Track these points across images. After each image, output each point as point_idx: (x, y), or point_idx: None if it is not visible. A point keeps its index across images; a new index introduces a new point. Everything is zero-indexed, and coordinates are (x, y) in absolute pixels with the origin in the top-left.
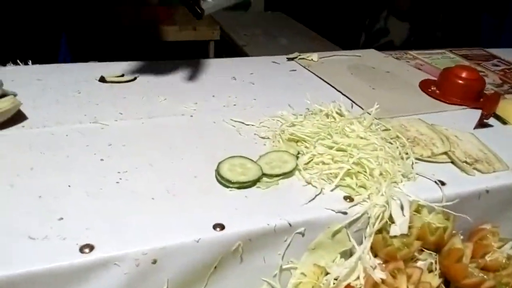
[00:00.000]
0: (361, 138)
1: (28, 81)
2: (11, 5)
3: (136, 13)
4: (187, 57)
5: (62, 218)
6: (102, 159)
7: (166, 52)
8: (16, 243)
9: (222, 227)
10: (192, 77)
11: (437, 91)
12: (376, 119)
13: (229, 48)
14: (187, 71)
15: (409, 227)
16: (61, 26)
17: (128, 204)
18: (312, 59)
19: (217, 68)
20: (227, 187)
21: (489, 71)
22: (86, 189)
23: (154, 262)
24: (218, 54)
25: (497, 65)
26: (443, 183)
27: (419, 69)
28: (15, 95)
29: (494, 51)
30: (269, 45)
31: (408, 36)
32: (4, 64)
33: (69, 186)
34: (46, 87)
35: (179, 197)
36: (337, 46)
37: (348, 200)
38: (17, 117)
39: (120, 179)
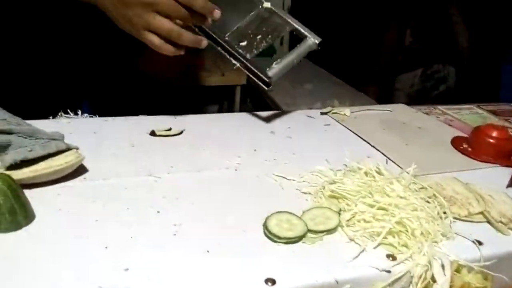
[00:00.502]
0: (401, 197)
1: (85, 134)
2: (31, 72)
3: (165, 62)
4: (215, 101)
5: (127, 269)
6: (158, 211)
7: (196, 96)
8: None
9: (273, 282)
10: (233, 131)
11: (469, 149)
12: (413, 176)
13: (254, 93)
14: (228, 124)
15: (450, 287)
16: (82, 93)
17: (185, 256)
18: (345, 114)
19: (256, 121)
20: (275, 241)
21: None
22: (147, 240)
23: None
24: (244, 98)
25: None
26: (480, 243)
27: (449, 125)
28: (77, 148)
29: None
30: (294, 91)
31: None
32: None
33: (131, 237)
34: (102, 140)
35: (231, 250)
36: (360, 92)
37: (390, 258)
38: (79, 170)
39: (177, 231)
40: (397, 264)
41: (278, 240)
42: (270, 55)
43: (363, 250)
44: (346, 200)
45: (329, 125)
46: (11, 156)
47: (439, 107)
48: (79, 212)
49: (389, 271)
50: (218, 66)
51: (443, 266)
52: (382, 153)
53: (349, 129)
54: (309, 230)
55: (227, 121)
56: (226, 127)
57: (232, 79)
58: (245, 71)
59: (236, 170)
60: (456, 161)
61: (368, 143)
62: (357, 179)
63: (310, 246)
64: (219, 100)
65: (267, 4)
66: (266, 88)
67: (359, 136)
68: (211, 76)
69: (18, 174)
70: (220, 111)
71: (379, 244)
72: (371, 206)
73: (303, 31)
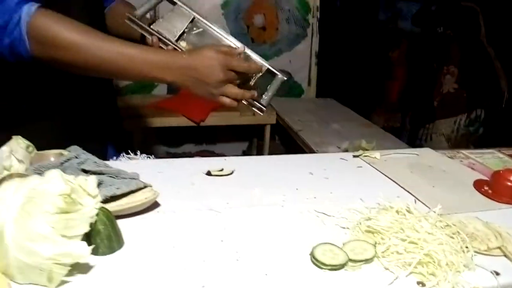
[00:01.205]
0: (429, 233)
1: (152, 174)
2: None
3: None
4: (246, 138)
5: (203, 286)
6: (222, 240)
7: (229, 133)
8: None
9: None
10: (277, 171)
11: (490, 191)
12: (438, 215)
13: (283, 132)
14: (272, 165)
15: None
16: (107, 137)
17: (248, 278)
18: (375, 157)
19: (296, 163)
20: (321, 268)
21: None
22: (215, 264)
23: None
24: (273, 135)
25: None
26: (497, 274)
27: (472, 168)
28: (151, 186)
29: None
30: (322, 130)
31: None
32: None
33: (203, 261)
34: (167, 179)
35: (286, 274)
36: (387, 133)
37: (420, 285)
38: (153, 204)
39: (239, 257)
40: None
41: (324, 267)
42: (299, 95)
43: (396, 278)
44: (381, 234)
45: (361, 167)
46: (103, 192)
47: (463, 151)
48: (158, 239)
49: None
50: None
51: None
52: (411, 194)
53: (379, 171)
54: (350, 260)
55: (271, 162)
56: (270, 168)
57: (263, 118)
58: (244, 103)
59: (282, 206)
60: (478, 202)
61: (398, 184)
62: (389, 216)
63: (351, 273)
64: (249, 137)
65: (247, 51)
66: (261, 114)
67: (389, 178)
68: (243, 116)
69: (108, 208)
70: (250, 147)
71: (410, 273)
72: (403, 240)
73: (274, 70)
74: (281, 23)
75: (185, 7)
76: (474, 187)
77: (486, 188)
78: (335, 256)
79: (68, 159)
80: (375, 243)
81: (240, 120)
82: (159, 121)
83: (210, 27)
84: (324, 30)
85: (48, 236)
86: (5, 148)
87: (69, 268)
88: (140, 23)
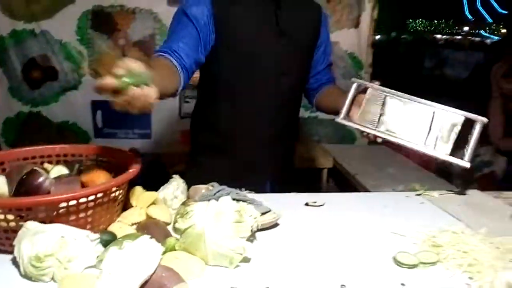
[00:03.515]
0: (476, 246)
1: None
2: None
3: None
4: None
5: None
6: (323, 239)
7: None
8: None
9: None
10: (359, 207)
11: None
12: (484, 236)
13: (339, 175)
14: (359, 202)
15: None
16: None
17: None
18: (434, 196)
19: (370, 199)
20: (401, 266)
21: None
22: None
23: None
24: (328, 178)
25: None
26: None
27: (510, 204)
28: (271, 210)
29: None
30: (377, 174)
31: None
32: None
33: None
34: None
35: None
36: (440, 179)
37: (472, 279)
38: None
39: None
40: (476, 282)
41: (403, 266)
42: (352, 141)
43: (453, 275)
44: (442, 247)
45: (423, 203)
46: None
47: (505, 192)
48: (298, 248)
49: (469, 284)
50: (309, 151)
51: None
52: (462, 221)
53: (438, 206)
54: (420, 262)
55: (356, 199)
56: (358, 204)
57: (321, 162)
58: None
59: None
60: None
61: (453, 215)
62: (448, 235)
63: (422, 270)
64: (307, 181)
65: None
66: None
67: (445, 211)
68: (304, 161)
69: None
70: (308, 189)
71: (463, 272)
72: (458, 250)
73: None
74: (338, 79)
75: (376, 87)
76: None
77: None
78: (408, 260)
79: (218, 191)
80: (438, 253)
81: (300, 164)
82: None
83: (401, 97)
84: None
85: (230, 236)
86: (174, 183)
87: (242, 256)
88: (349, 123)
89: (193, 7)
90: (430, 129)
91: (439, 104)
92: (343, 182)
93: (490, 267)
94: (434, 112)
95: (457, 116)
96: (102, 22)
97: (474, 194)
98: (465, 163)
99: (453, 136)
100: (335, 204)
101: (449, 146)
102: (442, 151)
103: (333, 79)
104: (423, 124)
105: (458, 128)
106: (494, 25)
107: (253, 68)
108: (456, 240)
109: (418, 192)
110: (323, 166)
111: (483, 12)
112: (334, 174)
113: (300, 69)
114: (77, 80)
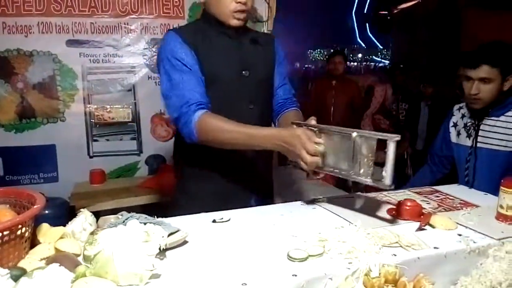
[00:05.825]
0: (355, 238)
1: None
2: None
3: None
4: None
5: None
6: (231, 245)
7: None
8: None
9: None
10: (259, 218)
11: (394, 213)
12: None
13: None
14: (256, 215)
15: None
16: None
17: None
18: (324, 201)
19: (271, 210)
20: (292, 261)
21: (431, 200)
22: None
23: None
24: None
25: (438, 196)
26: (395, 255)
27: (388, 202)
28: (180, 230)
29: (440, 187)
30: (283, 192)
31: None
32: None
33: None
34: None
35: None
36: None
37: (349, 264)
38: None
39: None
40: (355, 266)
41: (295, 260)
42: None
43: (337, 262)
44: (327, 241)
45: (315, 208)
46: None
47: (383, 192)
48: (205, 259)
49: (349, 268)
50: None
51: None
52: (344, 218)
53: (327, 209)
54: (309, 255)
55: (257, 212)
56: (259, 216)
57: None
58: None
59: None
60: (388, 220)
61: (337, 215)
62: (331, 230)
63: (311, 262)
64: None
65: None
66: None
67: (332, 212)
68: None
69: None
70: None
71: (344, 258)
72: (339, 241)
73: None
74: None
75: (310, 124)
76: (387, 212)
77: (394, 212)
78: (301, 253)
79: (127, 218)
80: (324, 246)
81: None
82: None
83: (328, 130)
84: None
85: (139, 254)
86: (82, 216)
87: (151, 273)
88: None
89: (180, 52)
90: (353, 155)
91: (359, 130)
92: None
93: (365, 252)
94: (354, 140)
95: (371, 138)
96: None
97: (358, 197)
98: (386, 185)
99: (371, 159)
100: (239, 218)
101: (370, 170)
102: (366, 176)
103: (291, 93)
104: (348, 152)
105: (373, 151)
106: (384, 50)
107: (225, 99)
108: (337, 233)
109: (310, 200)
110: None
111: (373, 39)
112: None
113: (265, 97)
114: None
